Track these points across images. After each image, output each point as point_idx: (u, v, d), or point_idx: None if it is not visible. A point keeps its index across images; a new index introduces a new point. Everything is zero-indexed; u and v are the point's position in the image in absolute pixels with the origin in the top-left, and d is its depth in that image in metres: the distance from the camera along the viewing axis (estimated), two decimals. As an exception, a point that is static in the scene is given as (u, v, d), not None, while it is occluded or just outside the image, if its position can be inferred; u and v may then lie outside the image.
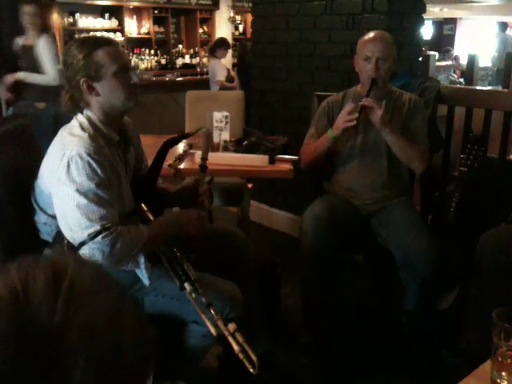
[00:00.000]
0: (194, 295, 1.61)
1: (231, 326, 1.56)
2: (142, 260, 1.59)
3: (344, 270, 2.57)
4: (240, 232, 2.15)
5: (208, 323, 1.57)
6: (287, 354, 2.34)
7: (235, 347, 1.53)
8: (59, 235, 1.61)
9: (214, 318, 1.57)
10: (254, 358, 1.52)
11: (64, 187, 1.52)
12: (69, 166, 1.51)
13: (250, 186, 3.20)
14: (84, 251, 1.51)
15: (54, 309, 0.50)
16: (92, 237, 1.50)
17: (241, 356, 1.52)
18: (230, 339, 1.54)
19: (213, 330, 1.57)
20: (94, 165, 1.53)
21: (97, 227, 1.50)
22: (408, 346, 2.35)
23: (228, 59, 8.11)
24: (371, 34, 2.33)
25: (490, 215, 2.57)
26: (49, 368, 0.49)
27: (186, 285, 1.62)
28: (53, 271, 0.54)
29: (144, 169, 1.95)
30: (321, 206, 2.31)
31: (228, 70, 6.41)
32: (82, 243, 1.51)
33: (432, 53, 7.29)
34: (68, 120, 1.66)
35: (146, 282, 1.62)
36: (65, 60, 1.62)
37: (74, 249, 1.55)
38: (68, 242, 1.57)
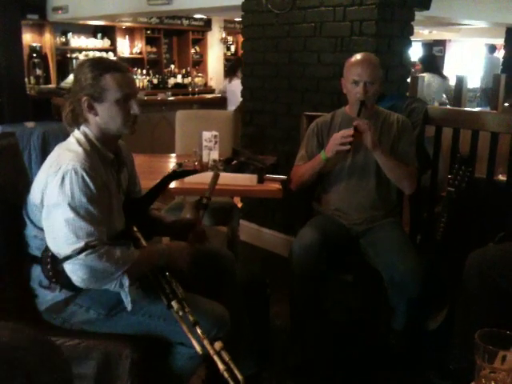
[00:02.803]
0: (180, 313, 1.60)
1: (217, 345, 1.54)
2: (126, 283, 1.58)
3: (333, 290, 2.56)
4: (227, 252, 2.15)
5: (194, 342, 1.56)
6: (276, 374, 2.32)
7: (220, 366, 1.52)
8: (48, 249, 1.62)
9: (201, 338, 1.56)
10: (239, 377, 1.51)
11: (56, 200, 1.54)
12: (63, 179, 1.54)
13: (239, 205, 3.20)
14: (67, 266, 1.54)
15: None
16: (76, 253, 1.52)
17: (226, 375, 1.50)
18: (216, 358, 1.53)
19: (198, 349, 1.55)
20: (88, 180, 1.55)
21: (82, 244, 1.52)
22: (397, 366, 2.33)
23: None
24: (358, 57, 2.35)
25: (478, 235, 2.58)
26: None
27: (173, 303, 1.61)
28: None
29: (137, 193, 1.96)
30: (311, 233, 2.28)
31: None
32: (67, 258, 1.53)
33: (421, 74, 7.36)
34: (56, 139, 1.68)
35: (129, 306, 1.62)
36: (75, 74, 1.68)
37: (56, 262, 1.58)
38: (52, 255, 1.59)
